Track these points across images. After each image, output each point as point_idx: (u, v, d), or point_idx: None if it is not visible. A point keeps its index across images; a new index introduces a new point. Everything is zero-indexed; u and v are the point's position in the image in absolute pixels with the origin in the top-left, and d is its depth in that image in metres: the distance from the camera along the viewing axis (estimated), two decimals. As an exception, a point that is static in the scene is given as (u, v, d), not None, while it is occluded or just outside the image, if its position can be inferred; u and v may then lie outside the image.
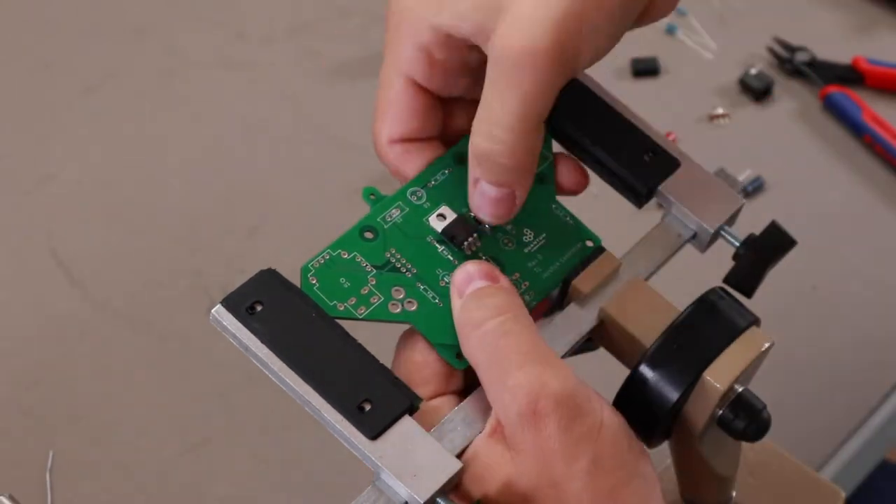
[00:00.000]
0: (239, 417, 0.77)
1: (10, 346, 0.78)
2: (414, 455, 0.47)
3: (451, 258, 0.52)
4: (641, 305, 0.52)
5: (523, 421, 0.46)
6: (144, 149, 0.89)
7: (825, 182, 0.90)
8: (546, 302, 0.53)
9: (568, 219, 0.55)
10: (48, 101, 0.91)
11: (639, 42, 0.95)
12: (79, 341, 0.79)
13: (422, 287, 0.51)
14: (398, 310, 0.51)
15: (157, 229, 0.84)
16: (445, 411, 0.49)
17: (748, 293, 0.55)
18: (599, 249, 0.54)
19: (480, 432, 0.49)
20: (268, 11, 0.97)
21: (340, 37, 0.95)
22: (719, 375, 0.50)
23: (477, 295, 0.49)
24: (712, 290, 0.52)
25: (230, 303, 0.49)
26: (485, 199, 0.51)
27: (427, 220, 0.53)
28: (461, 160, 0.54)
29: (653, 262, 0.54)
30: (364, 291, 0.51)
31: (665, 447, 0.56)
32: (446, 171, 0.54)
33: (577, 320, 0.52)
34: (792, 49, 0.95)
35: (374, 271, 0.51)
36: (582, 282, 0.53)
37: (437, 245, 0.52)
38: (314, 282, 0.50)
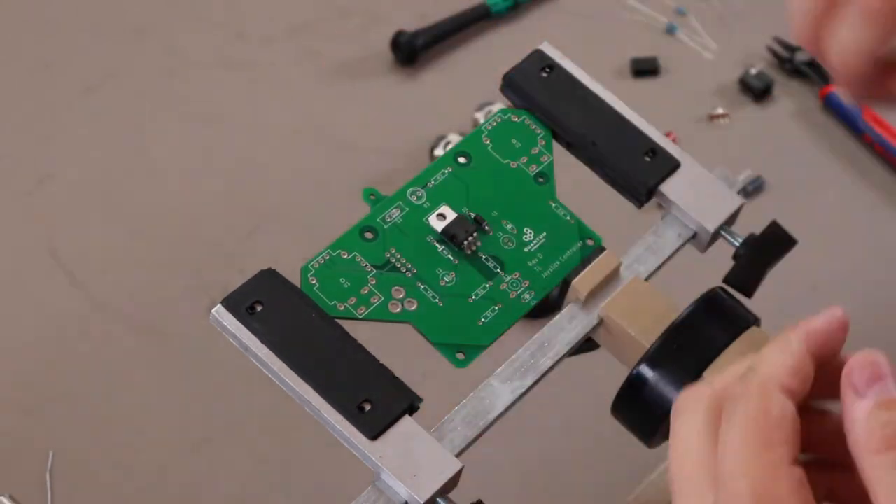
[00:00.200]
0: (239, 417, 0.77)
1: (10, 345, 0.78)
2: (414, 455, 0.47)
3: (451, 258, 0.52)
4: (641, 305, 0.52)
5: None
6: (144, 149, 0.88)
7: (825, 182, 0.90)
8: (545, 301, 0.53)
9: (568, 218, 0.55)
10: (48, 101, 0.91)
11: (639, 42, 0.95)
12: (79, 341, 0.79)
13: (422, 287, 0.51)
14: (398, 309, 0.51)
15: (157, 229, 0.84)
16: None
17: (748, 293, 0.55)
18: (600, 249, 0.54)
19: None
20: (268, 11, 0.97)
21: (340, 37, 0.95)
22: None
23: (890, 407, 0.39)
24: (712, 290, 0.52)
25: (230, 303, 0.49)
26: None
27: (427, 219, 0.53)
28: (461, 160, 0.54)
29: (653, 262, 0.54)
30: (364, 291, 0.51)
31: (665, 447, 0.55)
32: (446, 171, 0.54)
33: (577, 320, 0.52)
34: (792, 49, 0.95)
35: (374, 271, 0.51)
36: (582, 281, 0.53)
37: (437, 245, 0.52)
38: (314, 282, 0.50)
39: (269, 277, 0.49)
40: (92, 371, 0.78)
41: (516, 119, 0.56)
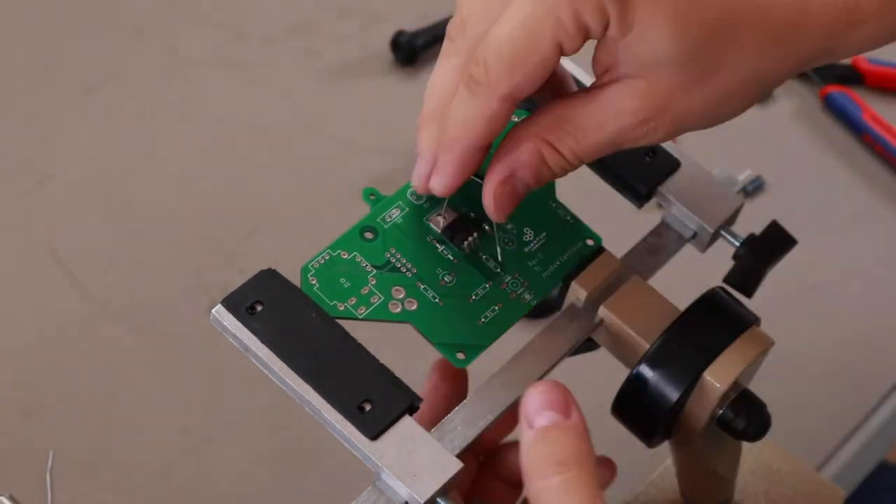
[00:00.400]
0: (239, 417, 0.77)
1: (10, 345, 0.78)
2: (414, 455, 0.47)
3: (451, 258, 0.52)
4: (641, 305, 0.52)
5: None
6: (144, 149, 0.88)
7: (825, 182, 0.90)
8: (545, 301, 0.53)
9: (568, 218, 0.55)
10: (48, 101, 0.91)
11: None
12: (79, 341, 0.79)
13: (422, 287, 0.51)
14: (398, 309, 0.51)
15: (157, 229, 0.84)
16: None
17: (748, 293, 0.55)
18: (599, 249, 0.54)
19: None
20: (268, 11, 0.97)
21: (340, 37, 0.95)
22: (719, 375, 0.50)
23: (546, 437, 0.44)
24: (712, 290, 0.52)
25: (230, 303, 0.49)
26: None
27: (427, 219, 0.53)
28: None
29: (653, 262, 0.54)
30: (364, 291, 0.51)
31: (665, 447, 0.56)
32: (446, 171, 0.54)
33: (577, 320, 0.52)
34: (792, 49, 0.95)
35: (374, 271, 0.51)
36: (582, 282, 0.53)
37: (437, 245, 0.52)
38: (314, 282, 0.50)
39: (269, 277, 0.49)
40: (92, 371, 0.78)
41: (516, 119, 0.56)
